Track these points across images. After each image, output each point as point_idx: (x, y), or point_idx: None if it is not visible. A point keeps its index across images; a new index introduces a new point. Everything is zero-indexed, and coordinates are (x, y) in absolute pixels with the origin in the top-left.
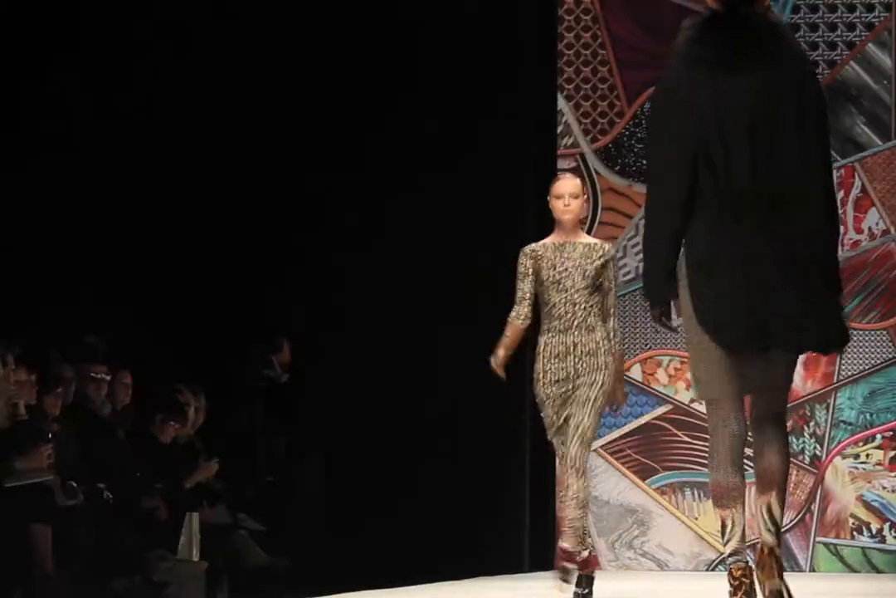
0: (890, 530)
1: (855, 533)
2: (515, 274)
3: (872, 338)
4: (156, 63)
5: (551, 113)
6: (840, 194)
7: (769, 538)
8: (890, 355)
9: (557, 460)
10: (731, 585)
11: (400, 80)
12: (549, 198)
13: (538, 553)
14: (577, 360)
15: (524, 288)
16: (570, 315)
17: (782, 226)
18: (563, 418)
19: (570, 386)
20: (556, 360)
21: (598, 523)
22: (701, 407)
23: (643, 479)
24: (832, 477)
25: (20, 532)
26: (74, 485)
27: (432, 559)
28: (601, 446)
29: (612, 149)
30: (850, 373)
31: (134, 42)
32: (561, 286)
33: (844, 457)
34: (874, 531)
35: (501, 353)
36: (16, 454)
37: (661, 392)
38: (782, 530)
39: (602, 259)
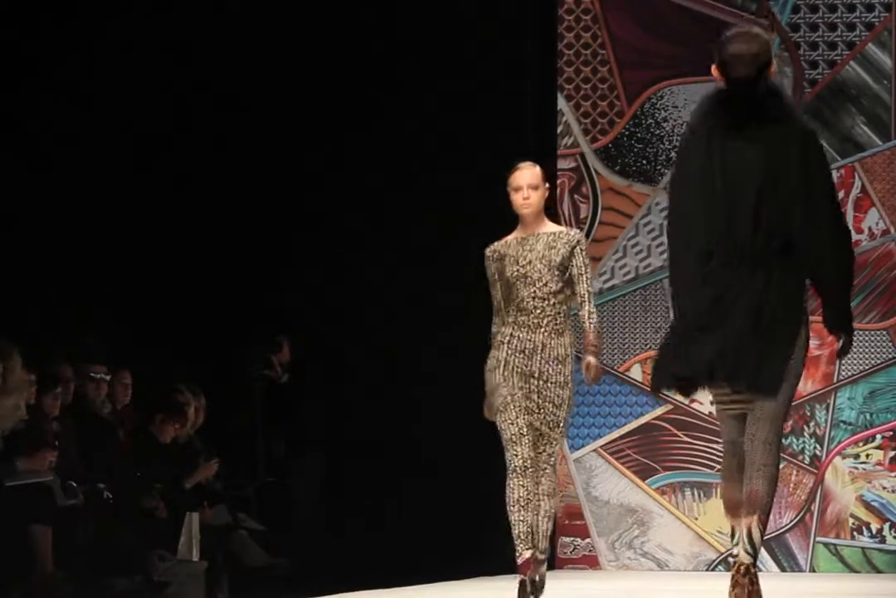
0: (890, 530)
1: (855, 533)
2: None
3: (872, 338)
4: (155, 64)
5: (551, 113)
6: (840, 194)
7: (746, 558)
8: (890, 355)
9: (514, 458)
10: (734, 578)
11: (399, 79)
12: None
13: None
14: (542, 362)
15: (498, 295)
16: (538, 311)
17: (781, 274)
18: (526, 425)
19: (535, 388)
20: (522, 355)
21: (598, 523)
22: (701, 407)
23: (643, 479)
24: (832, 477)
25: (20, 532)
26: (74, 485)
27: (432, 559)
28: (601, 447)
29: (612, 149)
30: (850, 373)
31: (135, 44)
32: (528, 280)
33: (844, 457)
34: (874, 531)
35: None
36: (18, 455)
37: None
38: (785, 531)
39: (568, 246)
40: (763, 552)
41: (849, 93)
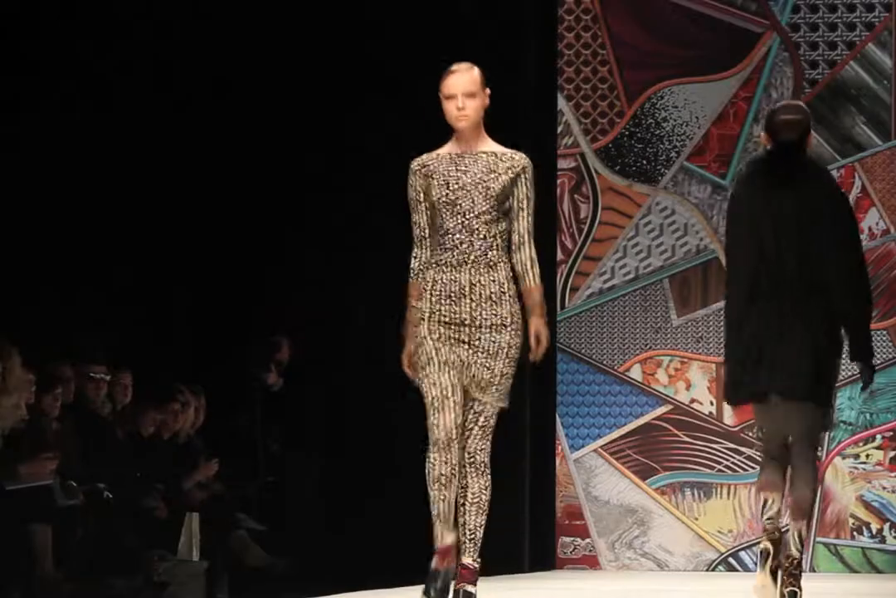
0: (890, 530)
1: (855, 533)
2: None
3: (873, 338)
4: (150, 63)
5: (551, 113)
6: None
7: (796, 554)
8: (890, 355)
9: (435, 428)
10: (764, 536)
11: (399, 79)
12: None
13: (538, 553)
14: (474, 305)
15: (421, 221)
16: (465, 246)
17: (813, 307)
18: (451, 386)
19: (465, 337)
20: (448, 302)
21: (598, 523)
22: (700, 407)
23: (643, 479)
24: (832, 477)
25: (20, 532)
26: (74, 485)
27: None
28: (601, 447)
29: (612, 149)
30: (850, 373)
31: (128, 42)
32: (456, 209)
33: (844, 457)
34: (874, 531)
35: (411, 347)
36: (18, 458)
37: (661, 392)
38: (785, 531)
39: (511, 173)
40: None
41: (849, 93)
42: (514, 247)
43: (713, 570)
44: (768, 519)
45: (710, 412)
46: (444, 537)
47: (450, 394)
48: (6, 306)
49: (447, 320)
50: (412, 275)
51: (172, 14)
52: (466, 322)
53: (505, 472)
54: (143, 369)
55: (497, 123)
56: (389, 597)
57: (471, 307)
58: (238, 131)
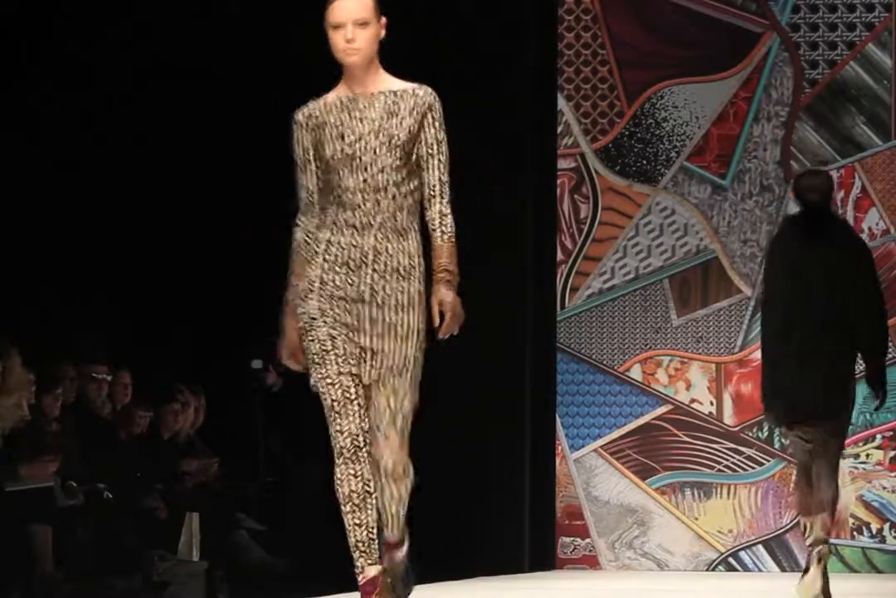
0: (890, 530)
1: (855, 533)
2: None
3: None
4: (150, 63)
5: (551, 113)
6: (840, 194)
7: (822, 536)
8: (890, 355)
9: (339, 436)
10: (811, 560)
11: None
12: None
13: (538, 553)
14: (376, 277)
15: (310, 184)
16: (370, 206)
17: (837, 342)
18: (354, 384)
19: (365, 319)
20: (345, 269)
21: (598, 523)
22: (700, 407)
23: (643, 479)
24: None
25: (20, 532)
26: (74, 485)
27: (432, 559)
28: (601, 447)
29: (612, 149)
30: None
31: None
32: (356, 164)
33: (844, 457)
34: (874, 531)
35: (291, 340)
36: (18, 460)
37: (661, 392)
38: (785, 531)
39: (415, 114)
40: (763, 552)
41: (849, 93)
42: (425, 202)
43: (713, 570)
44: (812, 545)
45: (710, 412)
46: (367, 569)
47: (353, 394)
48: (6, 306)
49: (341, 293)
50: (296, 247)
51: (168, 13)
52: (365, 298)
53: (505, 472)
54: (143, 369)
55: (497, 123)
56: None
57: (372, 279)
58: (239, 131)
